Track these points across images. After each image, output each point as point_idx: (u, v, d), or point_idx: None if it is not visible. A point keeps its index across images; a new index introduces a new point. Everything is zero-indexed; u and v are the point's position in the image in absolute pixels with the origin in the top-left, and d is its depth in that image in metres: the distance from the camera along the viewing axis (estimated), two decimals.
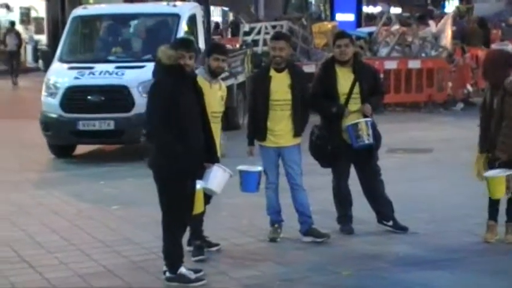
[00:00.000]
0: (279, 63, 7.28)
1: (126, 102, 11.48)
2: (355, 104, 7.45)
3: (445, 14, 24.31)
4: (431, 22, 21.05)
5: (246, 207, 8.25)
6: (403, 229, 7.59)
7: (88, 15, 13.32)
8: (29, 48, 30.70)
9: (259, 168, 7.22)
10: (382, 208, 7.66)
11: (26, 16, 32.97)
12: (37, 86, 14.89)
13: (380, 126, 7.69)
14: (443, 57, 17.88)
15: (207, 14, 14.84)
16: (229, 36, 24.95)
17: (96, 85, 11.70)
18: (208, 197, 6.65)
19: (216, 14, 30.67)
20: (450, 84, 17.66)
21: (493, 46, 19.43)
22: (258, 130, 7.36)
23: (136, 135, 11.05)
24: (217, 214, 7.80)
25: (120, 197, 9.30)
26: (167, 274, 6.25)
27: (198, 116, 6.25)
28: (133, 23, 13.63)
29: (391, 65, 17.06)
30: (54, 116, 11.78)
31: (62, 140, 12.08)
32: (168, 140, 6.08)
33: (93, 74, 11.85)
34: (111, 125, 11.57)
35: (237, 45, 17.31)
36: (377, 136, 7.55)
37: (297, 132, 7.32)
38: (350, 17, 25.85)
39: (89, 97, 11.62)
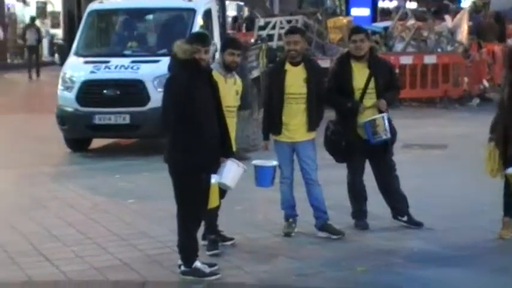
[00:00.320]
0: (294, 56, 7.28)
1: (142, 97, 11.52)
2: (370, 99, 7.44)
3: (461, 8, 24.17)
4: (447, 17, 20.95)
5: (261, 201, 8.26)
6: (418, 225, 7.58)
7: (104, 9, 13.35)
8: (45, 42, 30.88)
9: (274, 163, 7.23)
10: (397, 203, 7.65)
11: (42, 10, 33.10)
12: (53, 80, 14.98)
13: (395, 122, 7.68)
14: (459, 53, 17.80)
15: (223, 9, 14.82)
16: (244, 31, 24.93)
17: (111, 79, 11.75)
18: (223, 191, 6.66)
19: (231, 9, 30.66)
20: (466, 79, 17.58)
21: (509, 41, 19.33)
22: (273, 124, 7.37)
23: (151, 130, 11.08)
24: (232, 208, 7.81)
25: (136, 191, 9.34)
26: (182, 268, 6.27)
27: (213, 110, 6.26)
28: (149, 17, 13.67)
29: (406, 60, 17.00)
30: (70, 110, 11.84)
31: (78, 134, 12.14)
32: (184, 135, 6.10)
33: (109, 68, 11.89)
34: (127, 119, 11.62)
35: (252, 40, 17.30)
36: (392, 131, 7.54)
37: (312, 127, 7.31)
38: (365, 11, 25.82)
39: (104, 91, 11.66)
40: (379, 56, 8.18)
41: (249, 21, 24.28)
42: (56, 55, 28.37)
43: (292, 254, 6.93)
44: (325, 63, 14.40)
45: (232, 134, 6.76)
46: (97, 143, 12.61)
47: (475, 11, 21.91)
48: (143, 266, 6.58)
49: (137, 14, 13.43)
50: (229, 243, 7.10)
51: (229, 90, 6.90)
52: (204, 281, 6.18)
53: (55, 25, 33.30)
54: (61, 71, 12.46)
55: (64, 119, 11.93)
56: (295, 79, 7.24)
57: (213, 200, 6.33)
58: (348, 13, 25.19)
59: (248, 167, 6.81)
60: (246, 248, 7.06)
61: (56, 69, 19.15)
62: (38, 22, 28.40)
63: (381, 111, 7.43)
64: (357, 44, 7.44)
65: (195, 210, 6.22)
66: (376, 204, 7.73)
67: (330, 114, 7.63)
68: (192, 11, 12.66)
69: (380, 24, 21.55)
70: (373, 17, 25.95)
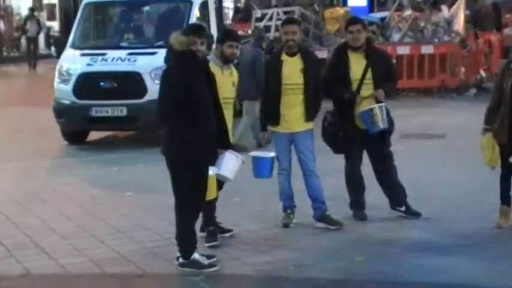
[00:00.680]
0: (292, 47, 7.26)
1: (139, 89, 11.50)
2: (367, 90, 7.43)
3: None
4: (443, 7, 20.90)
5: (259, 193, 8.26)
6: (415, 214, 7.58)
7: (100, 1, 13.32)
8: (42, 34, 30.79)
9: (272, 154, 7.23)
10: (395, 194, 7.65)
11: (38, 3, 33.01)
12: (49, 72, 14.94)
13: (393, 112, 7.67)
14: (456, 43, 17.79)
15: (219, 0, 14.78)
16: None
17: (108, 71, 11.73)
18: (221, 183, 6.66)
19: (229, 0, 30.59)
20: (463, 69, 17.58)
21: (506, 31, 19.31)
22: (270, 115, 7.36)
23: (149, 122, 11.07)
24: (230, 200, 7.81)
25: (133, 184, 9.33)
26: (180, 260, 6.27)
27: (210, 102, 6.24)
28: (146, 9, 13.63)
29: (403, 50, 16.99)
30: (67, 102, 11.82)
31: (75, 127, 12.12)
32: (181, 126, 6.08)
33: (106, 60, 11.87)
34: (124, 112, 11.60)
35: (249, 31, 17.27)
36: (390, 121, 7.53)
37: (309, 117, 7.30)
38: (362, 2, 25.75)
39: (101, 83, 11.65)
40: (376, 47, 8.17)
41: (245, 12, 24.19)
42: (53, 47, 28.31)
43: (290, 244, 6.93)
44: (322, 53, 14.39)
45: (229, 126, 6.74)
46: (94, 135, 12.59)
47: (472, 0, 21.87)
48: (141, 259, 6.58)
49: (134, 6, 13.40)
50: (227, 234, 7.10)
51: (226, 81, 6.88)
52: (203, 273, 6.18)
53: (51, 17, 33.21)
54: (57, 63, 12.43)
55: (61, 111, 11.91)
56: (292, 69, 7.22)
57: (211, 192, 6.33)
58: (345, 4, 25.12)
59: (246, 158, 6.80)
60: (244, 239, 7.06)
61: (52, 61, 19.11)
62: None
63: (378, 102, 7.42)
64: (353, 35, 7.43)
65: (193, 202, 6.21)
66: (374, 194, 7.73)
67: (327, 105, 7.62)
68: (189, 3, 12.64)
69: (377, 15, 21.51)
70: (370, 8, 25.88)
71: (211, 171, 6.28)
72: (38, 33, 26.76)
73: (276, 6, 21.96)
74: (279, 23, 13.50)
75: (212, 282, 6.06)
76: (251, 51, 11.44)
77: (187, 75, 6.09)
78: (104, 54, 11.99)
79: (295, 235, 7.19)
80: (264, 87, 7.56)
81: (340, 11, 19.84)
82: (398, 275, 6.14)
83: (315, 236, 7.14)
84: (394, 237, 7.06)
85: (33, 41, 26.16)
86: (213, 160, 6.32)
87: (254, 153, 7.24)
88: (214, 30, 12.82)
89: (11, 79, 24.65)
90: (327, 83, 7.45)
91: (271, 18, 17.93)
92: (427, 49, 17.13)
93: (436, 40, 18.01)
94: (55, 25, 32.99)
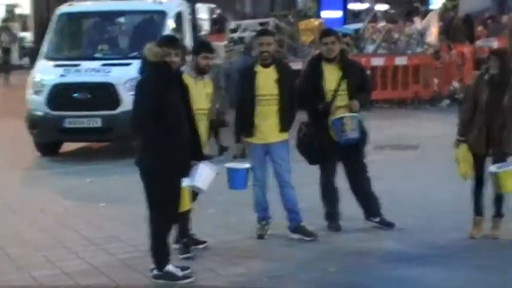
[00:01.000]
0: (267, 58, 7.27)
1: (113, 100, 11.45)
2: (342, 101, 7.45)
3: (431, 10, 24.34)
4: (416, 19, 21.09)
5: (234, 204, 8.24)
6: (390, 225, 7.60)
7: (74, 12, 13.26)
8: (15, 45, 30.56)
9: (247, 166, 7.22)
10: (369, 204, 7.67)
11: (11, 13, 32.79)
12: (22, 83, 14.82)
13: (367, 123, 7.70)
14: (430, 54, 17.93)
15: (193, 11, 14.79)
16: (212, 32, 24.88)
17: (82, 82, 11.67)
18: (195, 194, 6.64)
19: (203, 11, 30.59)
20: (436, 80, 17.71)
21: (478, 42, 19.49)
22: (245, 126, 7.35)
23: (123, 133, 11.01)
24: (205, 211, 7.78)
25: (107, 195, 9.28)
26: (154, 272, 6.23)
27: (184, 113, 6.24)
28: (120, 20, 13.59)
29: (377, 61, 17.09)
30: (40, 113, 11.74)
31: (49, 138, 12.04)
32: (155, 138, 6.06)
33: (79, 71, 11.81)
34: (98, 123, 11.54)
35: (224, 42, 17.29)
36: (364, 133, 7.56)
37: (284, 128, 7.31)
38: (337, 13, 25.89)
39: (75, 95, 11.59)
40: (350, 58, 8.21)
41: (218, 23, 24.22)
42: (26, 58, 28.14)
43: (265, 256, 6.92)
44: (297, 65, 14.37)
45: (204, 137, 6.73)
46: (68, 146, 12.51)
47: (445, 11, 22.08)
48: (114, 270, 6.53)
49: (107, 17, 13.34)
50: (201, 246, 7.07)
51: (200, 93, 6.88)
52: (177, 285, 6.15)
53: (24, 28, 33.00)
54: (31, 74, 12.35)
55: (34, 123, 11.82)
56: (267, 80, 7.23)
57: (185, 203, 6.31)
58: (319, 15, 25.23)
59: (221, 169, 6.78)
60: (219, 250, 7.04)
61: (25, 72, 18.97)
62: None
63: (352, 112, 7.44)
64: (328, 46, 7.46)
65: (166, 213, 6.18)
66: (349, 205, 7.74)
67: (302, 116, 7.63)
68: (163, 14, 12.63)
69: (351, 27, 21.64)
70: (345, 19, 26.02)
71: (185, 182, 6.26)
72: (12, 44, 26.57)
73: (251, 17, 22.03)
74: (254, 34, 13.53)
75: None
76: (241, 60, 11.49)
77: (161, 86, 6.07)
78: (77, 65, 11.94)
79: (270, 246, 7.18)
80: (238, 99, 7.56)
81: (315, 22, 19.92)
82: (372, 286, 6.15)
83: (289, 247, 7.13)
84: (369, 248, 7.07)
85: (6, 51, 26.00)
86: (186, 171, 6.30)
87: (229, 164, 7.23)
88: (188, 41, 12.83)
89: None
90: (302, 94, 7.47)
91: (245, 30, 17.97)
92: (400, 60, 17.26)
93: (409, 51, 18.14)
94: (28, 36, 32.79)
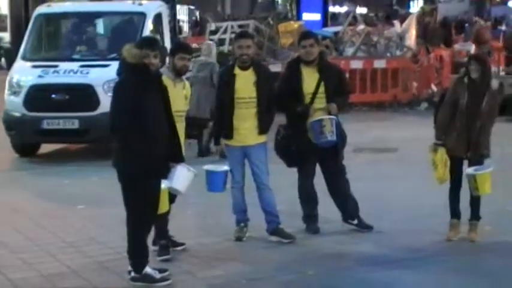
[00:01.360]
0: (246, 61, 7.27)
1: (91, 101, 11.39)
2: (320, 104, 7.46)
3: (410, 14, 24.47)
4: (396, 22, 21.22)
5: (212, 206, 8.23)
6: (368, 228, 7.63)
7: (52, 13, 13.18)
8: None
9: (225, 168, 7.22)
10: (348, 207, 7.69)
11: None
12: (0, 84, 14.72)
13: (346, 126, 7.72)
14: (408, 57, 18.03)
15: (173, 13, 14.76)
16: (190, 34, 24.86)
17: (60, 83, 11.60)
18: (173, 196, 6.62)
19: (182, 13, 30.53)
20: (415, 84, 17.81)
21: (456, 46, 19.65)
22: (224, 129, 7.35)
23: (101, 135, 10.96)
24: (183, 213, 7.77)
25: (85, 197, 9.23)
26: (132, 274, 6.21)
27: (163, 115, 6.22)
28: (99, 21, 13.53)
29: (356, 64, 17.16)
30: (17, 114, 11.66)
31: (26, 139, 11.96)
32: (133, 140, 6.04)
33: (58, 72, 11.74)
34: (76, 124, 11.48)
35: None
36: (342, 135, 7.58)
37: (263, 130, 7.31)
38: (316, 16, 25.94)
39: (53, 96, 11.52)
40: (329, 61, 8.23)
41: (199, 25, 24.20)
42: (3, 59, 27.94)
43: (243, 258, 6.91)
44: (276, 67, 14.45)
45: (182, 139, 6.72)
46: (46, 148, 12.44)
47: (423, 15, 22.22)
48: (92, 273, 6.50)
49: (86, 18, 13.27)
50: (180, 248, 7.06)
51: (179, 94, 6.86)
52: (155, 287, 6.13)
53: (1, 28, 32.75)
54: (8, 75, 12.27)
55: (11, 124, 11.74)
56: (245, 83, 7.24)
57: (163, 205, 6.29)
58: (299, 18, 25.27)
59: (199, 171, 6.77)
60: (197, 253, 7.02)
61: (2, 73, 18.85)
62: None
63: (331, 115, 7.46)
64: (306, 49, 7.47)
65: (144, 215, 6.17)
66: (327, 208, 7.76)
67: (280, 119, 7.64)
68: (142, 15, 12.58)
69: (330, 29, 21.71)
70: (324, 22, 26.08)
71: (163, 184, 6.24)
72: None
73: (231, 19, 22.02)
74: (233, 36, 13.54)
75: None
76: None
77: (139, 88, 6.05)
78: (55, 66, 11.87)
79: (248, 249, 7.18)
80: (216, 102, 7.55)
81: (295, 25, 19.96)
82: None
83: (267, 250, 7.13)
84: (346, 251, 7.09)
85: None
86: (164, 173, 6.29)
87: (207, 166, 7.23)
88: (168, 43, 12.79)
89: None
90: (280, 97, 7.47)
91: (225, 32, 17.97)
92: (379, 63, 17.33)
93: (388, 55, 18.23)
94: (5, 36, 32.55)
